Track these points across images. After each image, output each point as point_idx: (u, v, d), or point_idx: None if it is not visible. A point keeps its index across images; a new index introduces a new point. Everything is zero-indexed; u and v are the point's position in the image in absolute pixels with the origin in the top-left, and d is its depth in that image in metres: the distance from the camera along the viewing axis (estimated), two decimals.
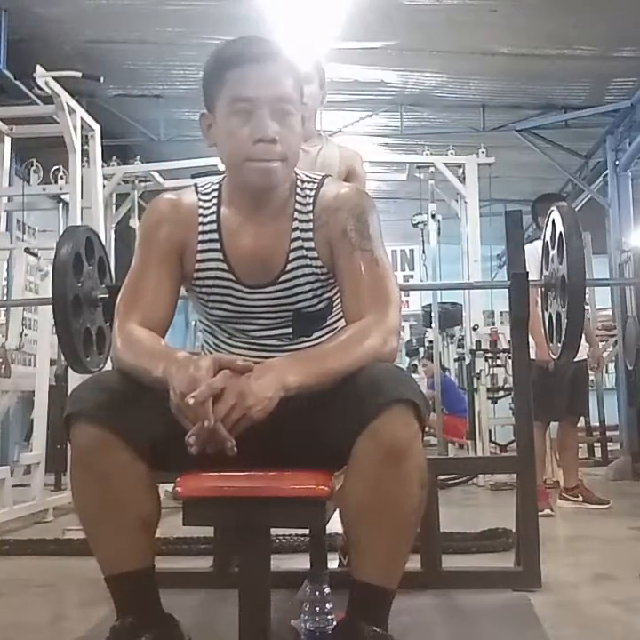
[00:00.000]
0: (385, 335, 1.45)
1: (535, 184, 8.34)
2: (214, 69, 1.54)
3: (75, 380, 3.42)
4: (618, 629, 1.99)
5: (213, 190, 1.64)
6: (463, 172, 6.15)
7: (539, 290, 2.55)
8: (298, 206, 1.59)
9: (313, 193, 1.60)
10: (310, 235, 1.58)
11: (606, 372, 8.26)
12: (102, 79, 4.60)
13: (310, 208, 1.59)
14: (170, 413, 1.31)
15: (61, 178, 4.81)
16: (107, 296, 2.38)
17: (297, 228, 1.58)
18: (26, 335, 4.69)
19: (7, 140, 4.51)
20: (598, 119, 7.26)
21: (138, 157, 6.16)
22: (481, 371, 5.88)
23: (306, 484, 1.35)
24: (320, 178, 1.63)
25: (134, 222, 5.74)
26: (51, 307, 2.35)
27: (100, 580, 1.46)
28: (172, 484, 1.39)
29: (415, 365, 9.72)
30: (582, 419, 5.79)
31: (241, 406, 1.28)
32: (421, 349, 9.45)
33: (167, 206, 1.63)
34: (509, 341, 2.86)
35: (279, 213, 1.59)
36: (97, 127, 4.48)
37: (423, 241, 7.03)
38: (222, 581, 2.31)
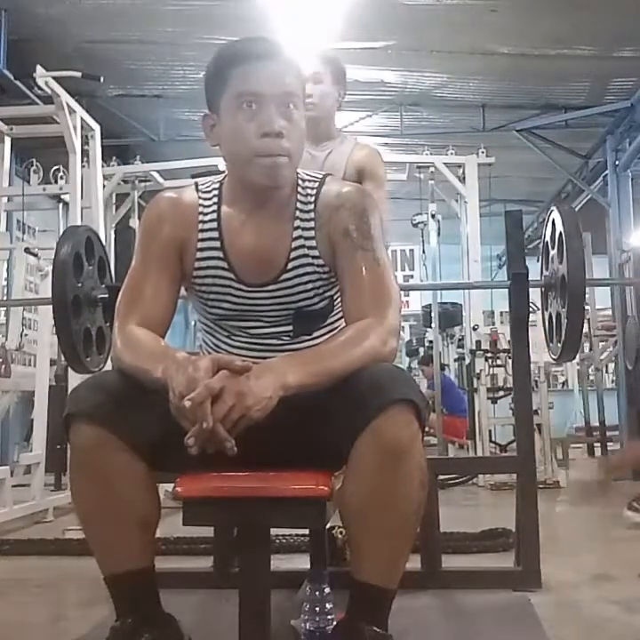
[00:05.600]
0: (384, 336, 1.45)
1: (535, 184, 8.35)
2: (217, 68, 1.53)
3: (75, 379, 3.42)
4: (617, 629, 1.99)
5: (214, 189, 1.63)
6: (463, 172, 6.16)
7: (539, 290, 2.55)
8: (299, 205, 1.59)
9: (314, 191, 1.60)
10: (312, 233, 1.57)
11: (606, 371, 8.26)
12: (102, 79, 4.61)
13: (312, 206, 1.58)
14: (169, 413, 1.31)
15: (61, 178, 4.81)
16: (107, 296, 2.38)
17: (299, 227, 1.58)
18: (26, 335, 4.69)
19: (7, 140, 4.51)
20: (598, 119, 7.26)
21: (138, 157, 6.17)
22: (481, 371, 5.88)
23: (306, 483, 1.35)
24: (321, 177, 1.63)
25: (134, 222, 5.74)
26: (51, 307, 2.34)
27: (100, 580, 1.46)
28: (172, 484, 1.39)
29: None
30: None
31: (240, 406, 1.28)
32: (421, 349, 9.45)
33: (167, 204, 1.62)
34: (509, 341, 2.86)
35: (281, 212, 1.58)
36: (97, 127, 4.49)
37: (423, 241, 7.03)
38: (222, 581, 2.31)
